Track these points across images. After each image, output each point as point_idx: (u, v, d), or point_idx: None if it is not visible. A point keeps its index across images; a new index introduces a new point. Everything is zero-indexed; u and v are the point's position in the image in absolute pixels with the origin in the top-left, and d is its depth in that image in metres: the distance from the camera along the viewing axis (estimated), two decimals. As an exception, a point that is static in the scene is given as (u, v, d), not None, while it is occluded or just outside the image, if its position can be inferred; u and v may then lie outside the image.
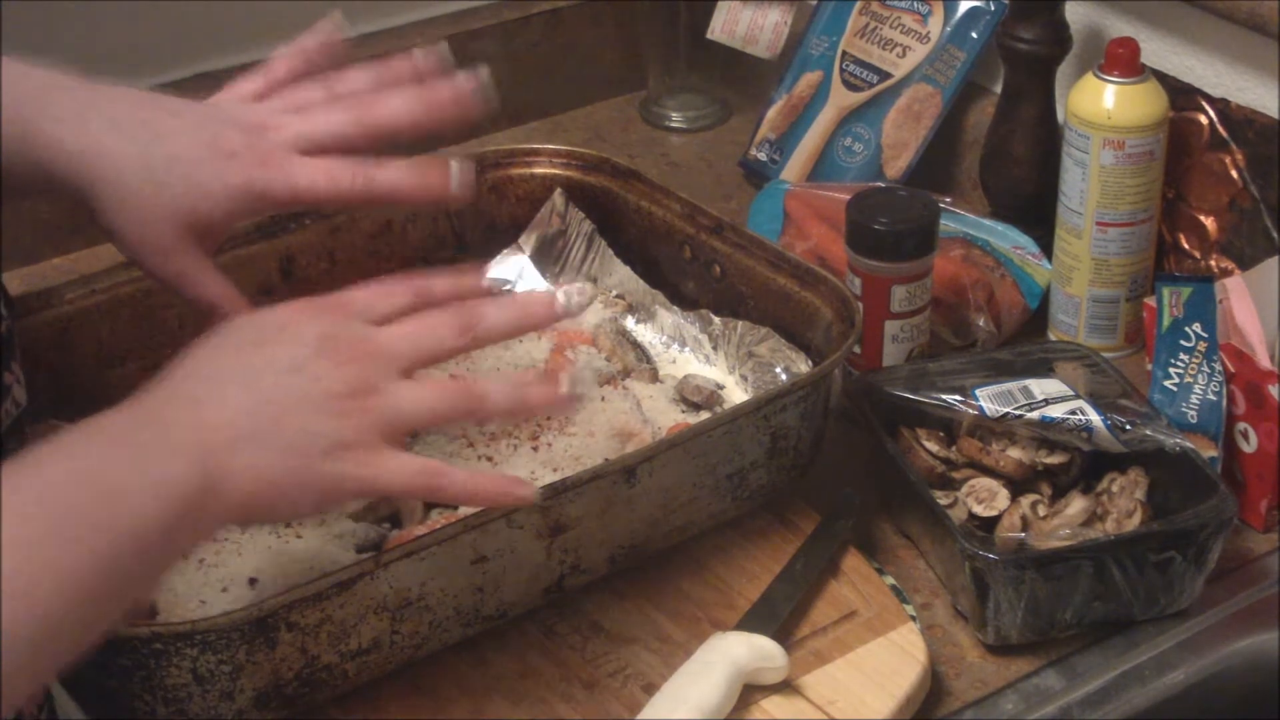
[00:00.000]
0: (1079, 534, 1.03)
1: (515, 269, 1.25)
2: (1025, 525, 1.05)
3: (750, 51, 1.52)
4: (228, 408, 0.77)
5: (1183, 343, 1.12)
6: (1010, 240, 1.31)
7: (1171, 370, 1.12)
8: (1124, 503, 1.05)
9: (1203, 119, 1.25)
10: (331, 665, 0.91)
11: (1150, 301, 1.18)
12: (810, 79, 1.47)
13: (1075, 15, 1.31)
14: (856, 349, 1.18)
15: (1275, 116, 1.21)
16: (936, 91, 1.40)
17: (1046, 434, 1.07)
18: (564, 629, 1.00)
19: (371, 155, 0.95)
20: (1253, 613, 1.05)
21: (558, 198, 1.24)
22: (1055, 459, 1.08)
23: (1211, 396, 1.10)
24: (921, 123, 1.40)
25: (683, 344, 1.19)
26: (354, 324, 0.84)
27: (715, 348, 1.17)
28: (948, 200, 1.32)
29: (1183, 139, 1.25)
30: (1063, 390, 1.08)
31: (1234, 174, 1.24)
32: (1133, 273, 1.24)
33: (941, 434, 1.11)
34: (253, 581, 0.95)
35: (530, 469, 1.05)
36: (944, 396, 1.09)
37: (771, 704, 0.95)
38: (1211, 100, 1.24)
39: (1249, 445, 1.10)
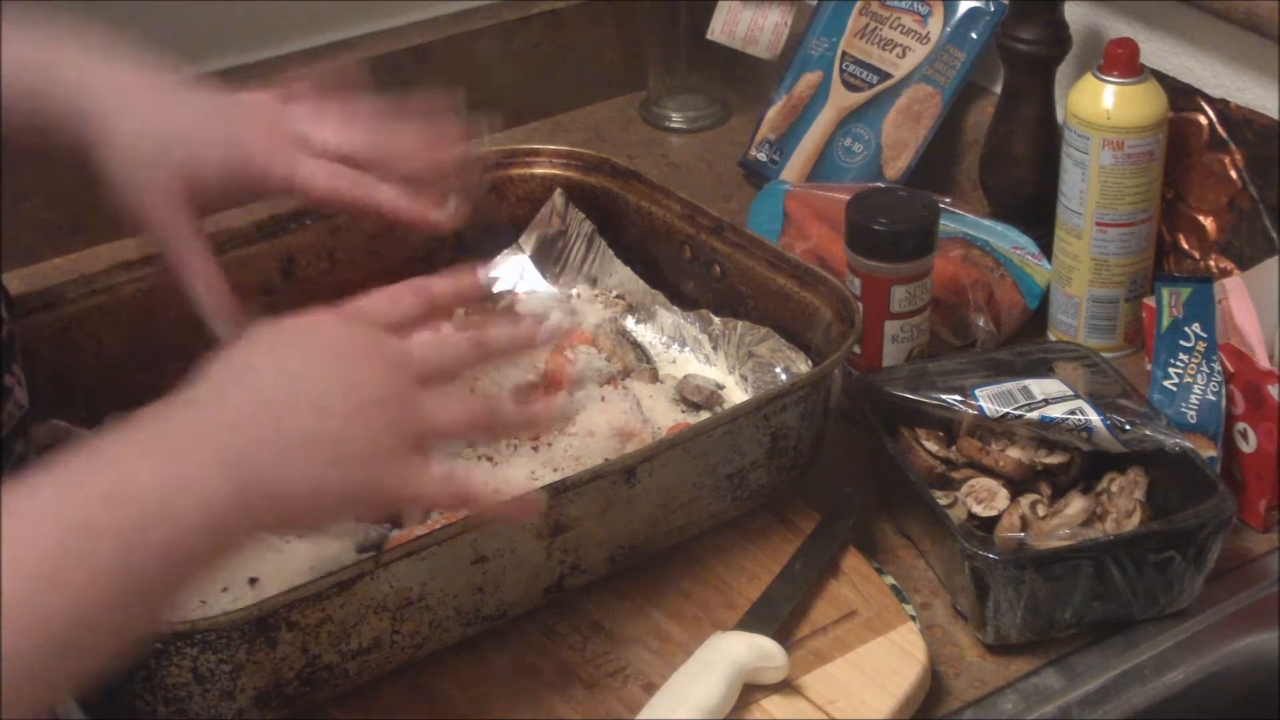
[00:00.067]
0: (1078, 534, 1.04)
1: (515, 269, 1.25)
2: (1025, 525, 1.05)
3: (750, 52, 1.52)
4: (262, 417, 0.76)
5: (1182, 343, 1.13)
6: (1010, 240, 1.31)
7: (1171, 370, 1.12)
8: (1123, 503, 1.05)
9: (1202, 119, 1.25)
10: (332, 665, 0.92)
11: (1150, 302, 1.18)
12: (810, 79, 1.47)
13: (1075, 16, 1.31)
14: (856, 349, 1.18)
15: (1274, 117, 1.21)
16: (936, 92, 1.40)
17: (1046, 434, 1.07)
18: (564, 629, 1.01)
19: (374, 174, 0.97)
20: (1252, 612, 1.05)
21: (558, 198, 1.24)
22: (1055, 459, 1.08)
23: (1211, 396, 1.10)
24: (921, 123, 1.40)
25: (683, 344, 1.20)
26: (379, 334, 0.83)
27: (715, 348, 1.18)
28: (947, 200, 1.33)
29: (1182, 139, 1.25)
30: (1062, 390, 1.08)
31: (1233, 174, 1.24)
32: (1132, 273, 1.24)
33: (941, 434, 1.11)
34: (253, 581, 0.95)
35: (530, 469, 1.05)
36: (944, 396, 1.09)
37: (771, 704, 0.95)
38: (1211, 100, 1.25)
39: (1248, 445, 1.10)
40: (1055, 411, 1.06)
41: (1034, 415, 1.07)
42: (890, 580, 1.05)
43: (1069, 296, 1.26)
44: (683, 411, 1.12)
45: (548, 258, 1.25)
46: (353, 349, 0.81)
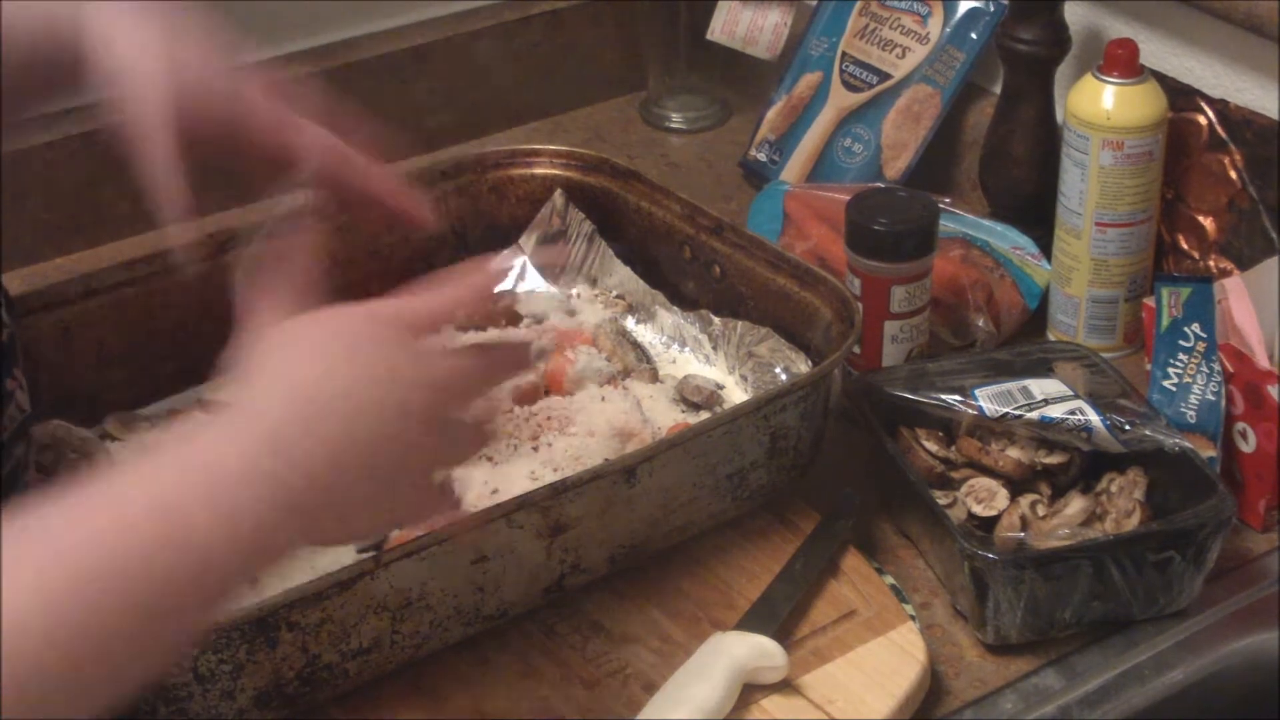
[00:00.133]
0: (1078, 534, 1.04)
1: (515, 269, 1.25)
2: (1024, 525, 1.05)
3: (750, 52, 1.52)
4: (306, 443, 0.74)
5: (1181, 343, 1.13)
6: (1009, 240, 1.31)
7: (1170, 370, 1.12)
8: (1123, 502, 1.05)
9: (1201, 120, 1.25)
10: (332, 664, 0.92)
11: (1149, 302, 1.18)
12: (810, 80, 1.47)
13: (1074, 16, 1.31)
14: (856, 349, 1.18)
15: (1274, 117, 1.21)
16: (936, 92, 1.40)
17: (1046, 434, 1.07)
18: (564, 629, 1.01)
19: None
20: (1252, 612, 1.05)
21: (558, 198, 1.24)
22: (1054, 459, 1.08)
23: (1210, 396, 1.10)
24: (921, 123, 1.40)
25: (683, 344, 1.20)
26: (415, 346, 0.80)
27: (715, 348, 1.18)
28: (947, 201, 1.33)
29: (1182, 139, 1.25)
30: (1062, 390, 1.08)
31: (1233, 174, 1.24)
32: (1132, 273, 1.24)
33: (941, 434, 1.11)
34: (253, 581, 0.95)
35: (530, 469, 1.05)
36: (943, 396, 1.09)
37: (771, 703, 0.95)
38: (1210, 101, 1.25)
39: (1248, 445, 1.10)
40: (1055, 411, 1.06)
41: (1034, 415, 1.07)
42: (890, 580, 1.05)
43: (1068, 297, 1.26)
44: (683, 411, 1.12)
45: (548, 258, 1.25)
46: (395, 370, 0.78)
